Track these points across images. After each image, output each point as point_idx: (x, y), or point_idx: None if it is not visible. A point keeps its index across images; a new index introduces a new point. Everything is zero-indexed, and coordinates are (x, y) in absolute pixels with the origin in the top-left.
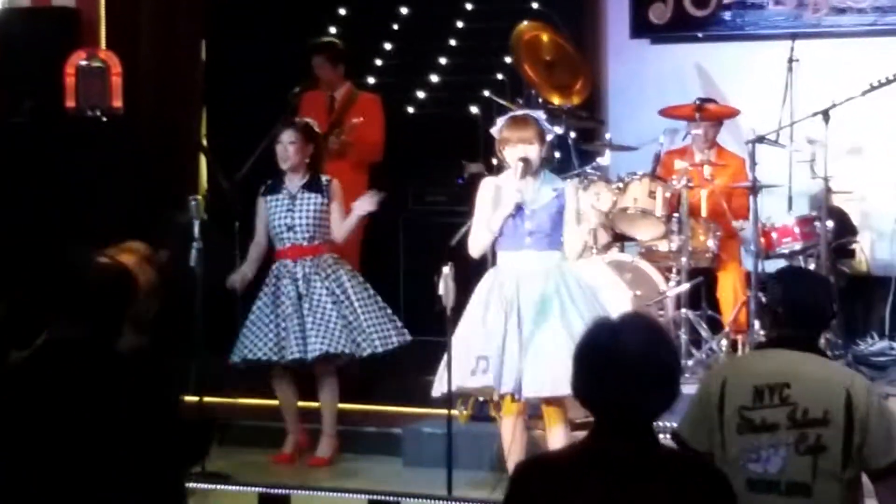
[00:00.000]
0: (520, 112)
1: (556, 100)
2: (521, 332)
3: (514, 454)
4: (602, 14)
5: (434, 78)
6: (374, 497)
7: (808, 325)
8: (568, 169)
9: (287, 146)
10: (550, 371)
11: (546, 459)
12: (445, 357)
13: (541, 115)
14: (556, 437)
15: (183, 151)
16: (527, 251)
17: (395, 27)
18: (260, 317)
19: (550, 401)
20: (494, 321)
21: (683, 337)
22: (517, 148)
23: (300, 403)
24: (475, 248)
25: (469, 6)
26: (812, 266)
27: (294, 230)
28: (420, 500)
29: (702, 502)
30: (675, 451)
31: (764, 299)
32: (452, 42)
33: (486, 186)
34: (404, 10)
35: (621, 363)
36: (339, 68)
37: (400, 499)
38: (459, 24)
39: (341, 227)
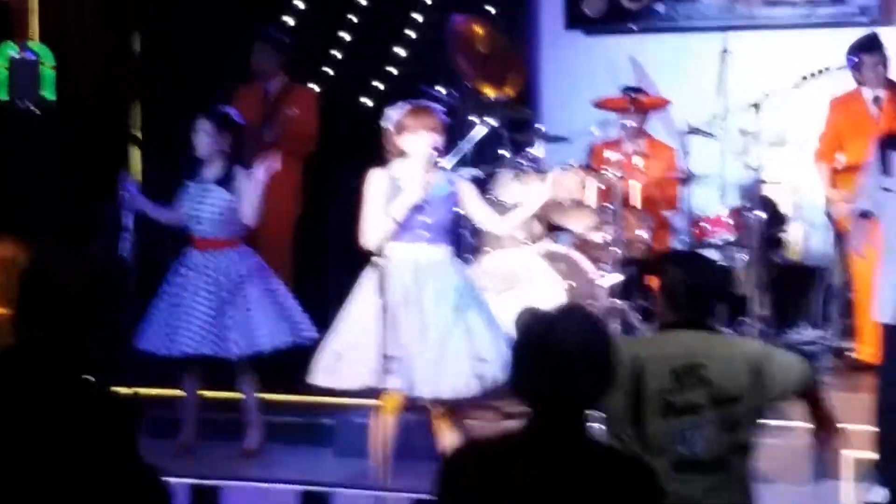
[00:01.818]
0: (421, 101)
1: (489, 91)
2: (423, 327)
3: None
4: (536, 6)
5: (392, 70)
6: (306, 488)
7: (707, 307)
8: (501, 160)
9: (202, 135)
10: (449, 372)
11: (479, 446)
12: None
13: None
14: (451, 431)
15: (115, 143)
16: (423, 244)
17: (353, 18)
18: (158, 306)
19: (443, 402)
20: (398, 316)
21: (616, 327)
22: (422, 136)
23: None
24: (374, 237)
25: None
26: (745, 256)
27: (200, 222)
28: (351, 490)
29: (630, 492)
30: (605, 443)
31: (661, 283)
32: (411, 34)
33: (378, 177)
34: (362, 1)
35: (559, 354)
36: (279, 59)
37: (331, 489)
38: (417, 17)
39: (246, 207)
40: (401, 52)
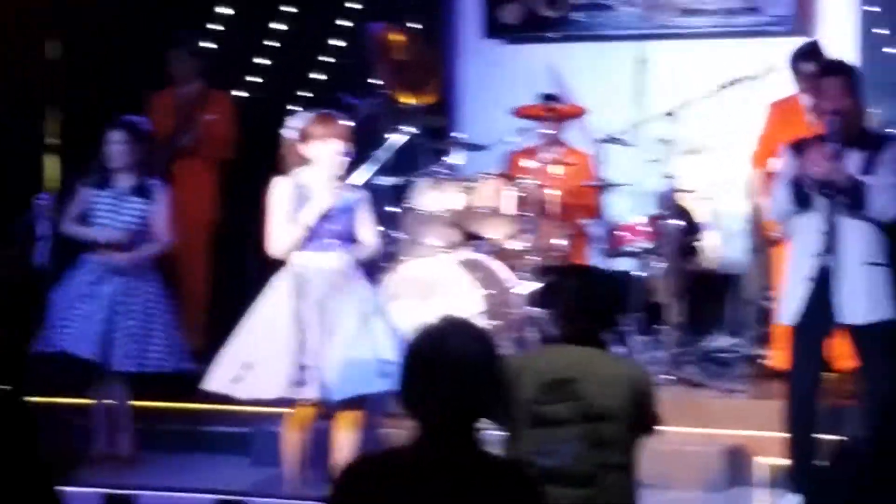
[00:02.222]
0: (325, 110)
1: (408, 100)
2: (332, 334)
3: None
4: (455, 14)
5: (318, 76)
6: (222, 497)
7: (595, 322)
8: (420, 169)
9: (115, 146)
10: (356, 372)
11: (370, 461)
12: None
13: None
14: (348, 442)
15: (29, 152)
16: (327, 252)
17: (280, 26)
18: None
19: (351, 404)
20: (310, 324)
21: (532, 335)
22: (329, 144)
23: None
24: (282, 245)
25: (352, 5)
26: (662, 264)
27: (111, 232)
28: (266, 499)
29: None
30: (493, 454)
31: (548, 297)
32: (336, 42)
33: (283, 185)
34: (288, 9)
35: (446, 368)
36: (195, 65)
37: (246, 498)
38: (344, 24)
39: (159, 221)
40: (327, 59)
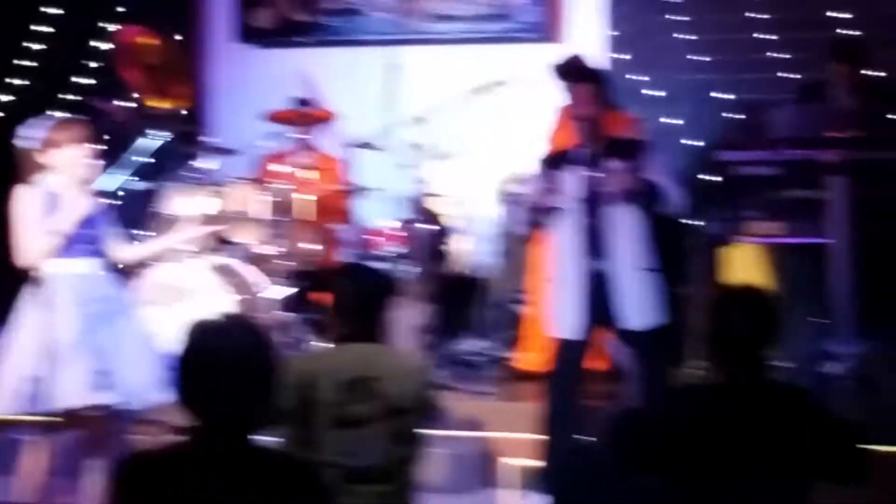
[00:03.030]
0: (65, 115)
1: (159, 104)
2: (94, 338)
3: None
4: (207, 18)
5: (82, 80)
6: None
7: (373, 319)
8: (170, 173)
9: None
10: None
11: (146, 458)
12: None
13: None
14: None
15: None
16: (84, 258)
17: (41, 28)
18: None
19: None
20: (84, 330)
21: (287, 340)
22: (75, 149)
23: None
24: (37, 254)
25: (119, 8)
26: (414, 268)
27: None
28: None
29: (295, 500)
30: (273, 450)
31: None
32: (99, 45)
33: (29, 194)
34: (51, 11)
35: (220, 366)
36: None
37: None
38: (107, 27)
39: None
40: (90, 63)
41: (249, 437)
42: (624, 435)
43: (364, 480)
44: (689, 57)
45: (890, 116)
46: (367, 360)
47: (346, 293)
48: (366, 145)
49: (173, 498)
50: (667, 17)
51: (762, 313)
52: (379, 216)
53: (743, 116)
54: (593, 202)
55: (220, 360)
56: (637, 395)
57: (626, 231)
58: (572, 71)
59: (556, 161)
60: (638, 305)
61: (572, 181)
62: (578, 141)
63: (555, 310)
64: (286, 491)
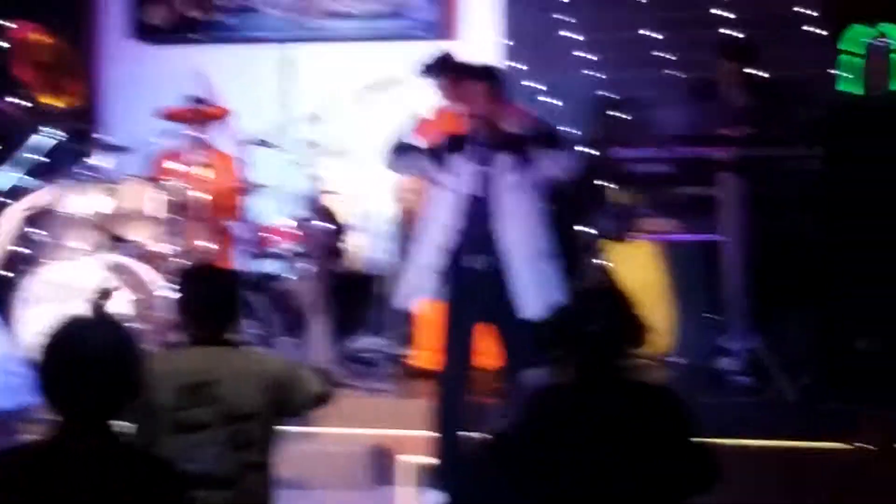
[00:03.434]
0: None
1: (53, 102)
2: None
3: None
4: (102, 16)
5: None
6: None
7: (221, 322)
8: (64, 171)
9: None
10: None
11: (9, 454)
12: None
13: None
14: None
15: None
16: None
17: None
18: None
19: None
20: None
21: (181, 338)
22: None
23: None
24: None
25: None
26: (310, 266)
27: None
28: None
29: (158, 498)
30: (134, 444)
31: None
32: None
33: None
34: None
35: (82, 360)
36: None
37: None
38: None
39: None
40: None
41: (111, 432)
42: (493, 466)
43: (204, 486)
44: (577, 55)
45: (779, 114)
46: (209, 363)
47: (193, 295)
48: (261, 143)
49: (34, 493)
50: (558, 16)
51: (618, 312)
52: (274, 214)
53: (634, 115)
54: (483, 198)
55: (78, 353)
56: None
57: (521, 222)
58: (467, 68)
59: (450, 147)
60: (536, 294)
61: (461, 175)
62: (470, 136)
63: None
64: (146, 483)
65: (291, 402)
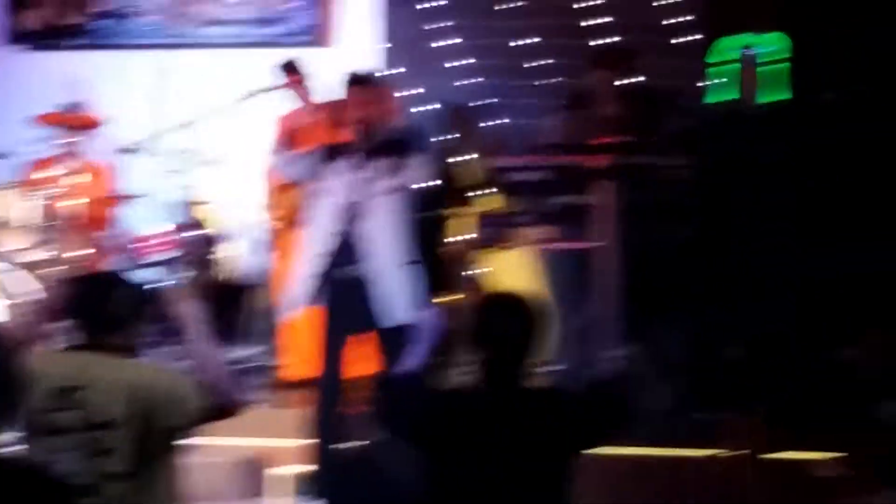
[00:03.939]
0: None
1: None
2: None
3: None
4: None
5: None
6: None
7: (97, 327)
8: None
9: None
10: None
11: None
12: None
13: None
14: None
15: None
16: None
17: None
18: None
19: None
20: None
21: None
22: None
23: None
24: None
25: None
26: (184, 274)
27: None
28: None
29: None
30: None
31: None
32: None
33: None
34: None
35: None
36: None
37: None
38: None
39: None
40: None
41: None
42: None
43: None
44: (453, 62)
45: (652, 123)
46: (80, 368)
47: (73, 299)
48: (135, 150)
49: None
50: (434, 23)
51: (523, 319)
52: (147, 222)
53: (510, 122)
54: (355, 205)
55: None
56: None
57: (387, 229)
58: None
59: (329, 155)
60: (400, 302)
61: (337, 182)
62: (346, 142)
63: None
64: (23, 494)
65: (167, 414)
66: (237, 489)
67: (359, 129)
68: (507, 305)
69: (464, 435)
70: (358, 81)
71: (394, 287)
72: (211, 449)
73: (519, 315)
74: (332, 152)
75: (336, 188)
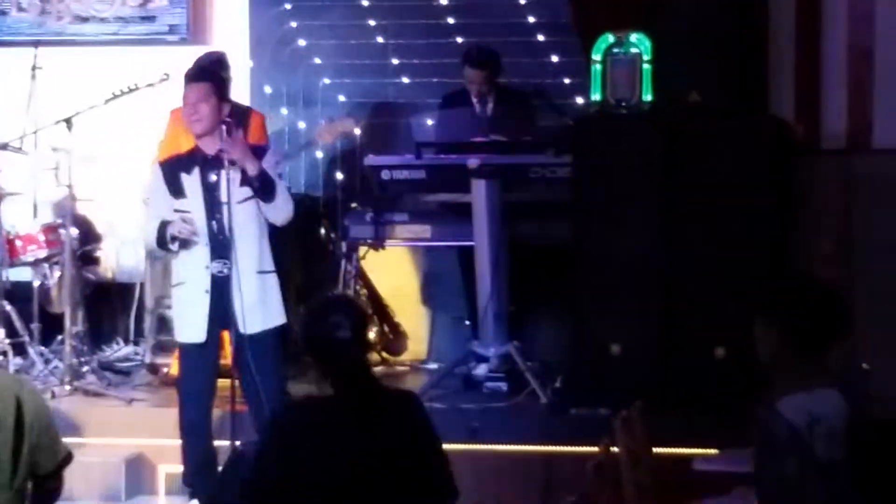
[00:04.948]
0: None
1: None
2: None
3: None
4: None
5: None
6: None
7: None
8: None
9: None
10: None
11: None
12: None
13: None
14: None
15: None
16: None
17: None
18: None
19: None
20: None
21: None
22: None
23: None
24: None
25: None
26: (59, 273)
27: None
28: None
29: None
30: None
31: None
32: None
33: None
34: None
35: None
36: None
37: None
38: None
39: None
40: None
41: None
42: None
43: None
44: (319, 61)
45: (528, 121)
46: None
47: None
48: (7, 148)
49: None
50: (301, 22)
51: (357, 319)
52: (22, 221)
53: (386, 121)
54: (214, 205)
55: None
56: (251, 403)
57: (247, 233)
58: (188, 71)
59: (176, 164)
60: (257, 309)
61: (194, 185)
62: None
63: (178, 314)
64: None
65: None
66: (126, 488)
67: (200, 128)
68: (331, 308)
69: (317, 443)
70: (194, 78)
71: (251, 292)
72: (97, 448)
73: (352, 316)
74: (190, 155)
75: (190, 191)
